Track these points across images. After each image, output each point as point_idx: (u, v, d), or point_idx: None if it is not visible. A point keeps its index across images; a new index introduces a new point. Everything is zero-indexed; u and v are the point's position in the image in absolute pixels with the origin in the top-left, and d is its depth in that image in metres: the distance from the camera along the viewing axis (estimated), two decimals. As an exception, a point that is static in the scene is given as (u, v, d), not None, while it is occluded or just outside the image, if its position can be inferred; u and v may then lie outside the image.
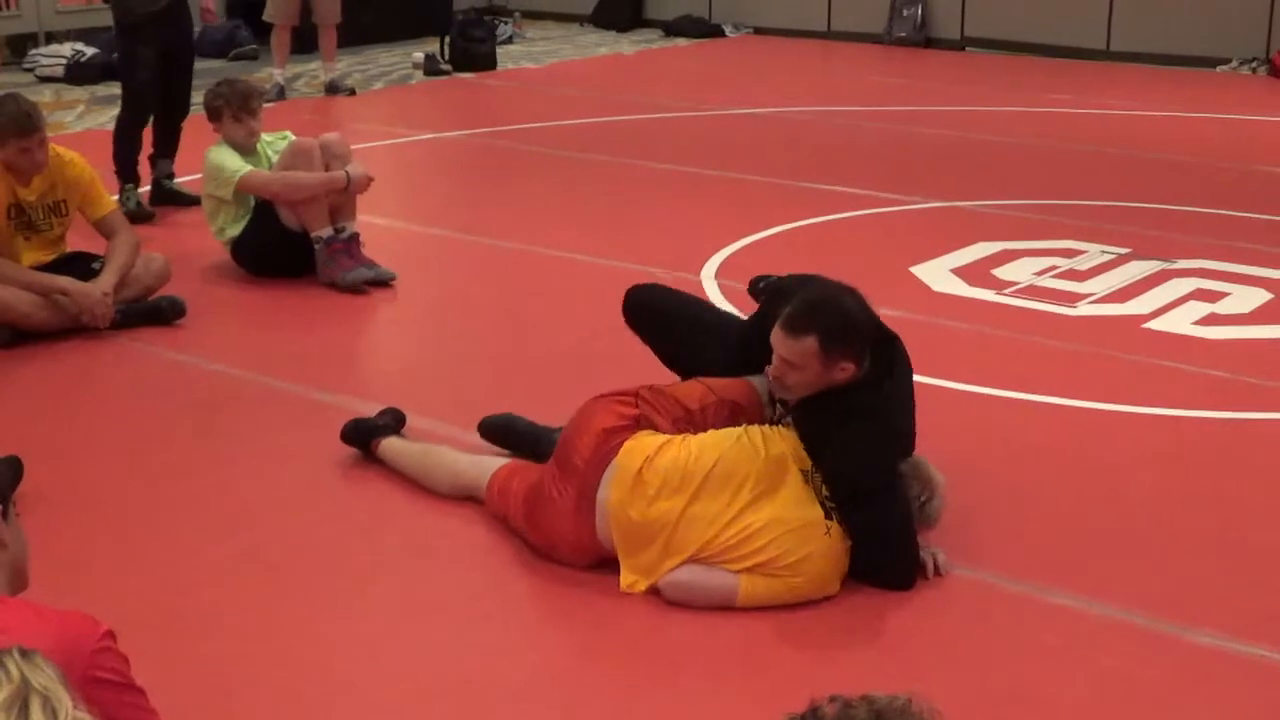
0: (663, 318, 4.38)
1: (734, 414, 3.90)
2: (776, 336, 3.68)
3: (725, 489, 3.61)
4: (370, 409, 4.79)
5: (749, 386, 4.00)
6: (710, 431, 3.80)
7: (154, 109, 7.33)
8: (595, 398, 3.93)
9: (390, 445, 4.36)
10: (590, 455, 3.73)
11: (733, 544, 3.57)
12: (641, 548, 3.64)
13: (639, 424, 3.79)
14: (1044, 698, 3.29)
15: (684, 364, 4.26)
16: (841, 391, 3.71)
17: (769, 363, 3.79)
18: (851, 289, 3.86)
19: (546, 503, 3.78)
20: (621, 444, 3.73)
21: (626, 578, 3.66)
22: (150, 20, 7.15)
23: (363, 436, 4.44)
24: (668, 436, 3.76)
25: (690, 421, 3.86)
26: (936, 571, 3.75)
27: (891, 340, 3.92)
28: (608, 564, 3.72)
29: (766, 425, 3.84)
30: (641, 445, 3.72)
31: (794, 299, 3.74)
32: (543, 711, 3.27)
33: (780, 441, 3.72)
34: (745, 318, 4.33)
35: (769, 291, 4.45)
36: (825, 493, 3.66)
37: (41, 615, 2.32)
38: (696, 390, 3.96)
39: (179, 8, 7.32)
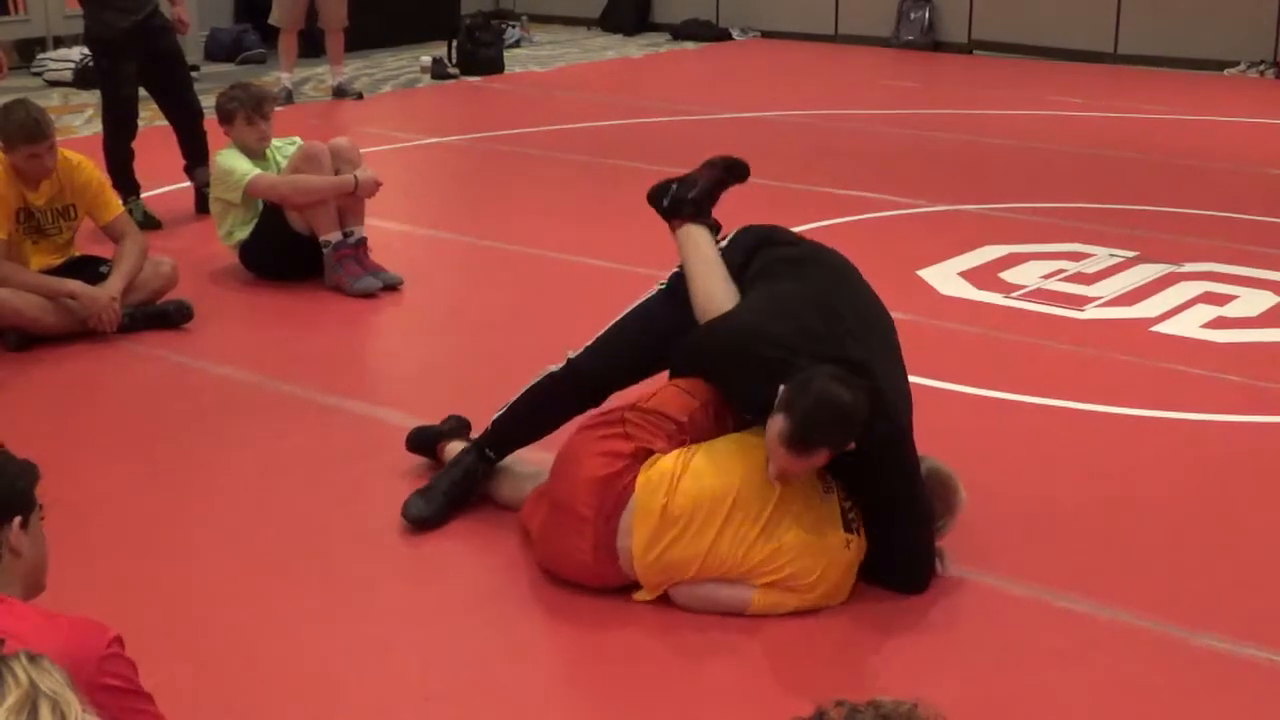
0: (626, 356, 4.04)
1: (718, 413, 3.76)
2: (782, 456, 3.44)
3: (750, 511, 3.53)
4: (378, 413, 4.81)
5: None
6: (723, 442, 3.67)
7: (137, 124, 7.31)
8: (580, 431, 3.76)
9: (454, 450, 4.22)
10: (599, 505, 3.57)
11: (756, 563, 3.53)
12: (671, 579, 3.58)
13: (637, 457, 3.61)
14: (1051, 702, 3.28)
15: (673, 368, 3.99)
16: None
17: None
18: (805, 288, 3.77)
19: (560, 550, 3.66)
20: (631, 484, 3.57)
21: (643, 595, 3.62)
22: (126, 35, 7.12)
23: (428, 442, 4.35)
24: (675, 461, 3.60)
25: (683, 432, 3.70)
26: (942, 569, 3.76)
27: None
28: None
29: None
30: (656, 481, 3.56)
31: (795, 400, 3.41)
32: (548, 716, 3.27)
33: None
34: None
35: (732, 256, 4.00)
36: (848, 504, 3.63)
37: (51, 621, 2.32)
38: (677, 399, 3.75)
39: (155, 19, 7.27)
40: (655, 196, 4.19)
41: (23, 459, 2.61)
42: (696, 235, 4.03)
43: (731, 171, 4.20)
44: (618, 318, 4.07)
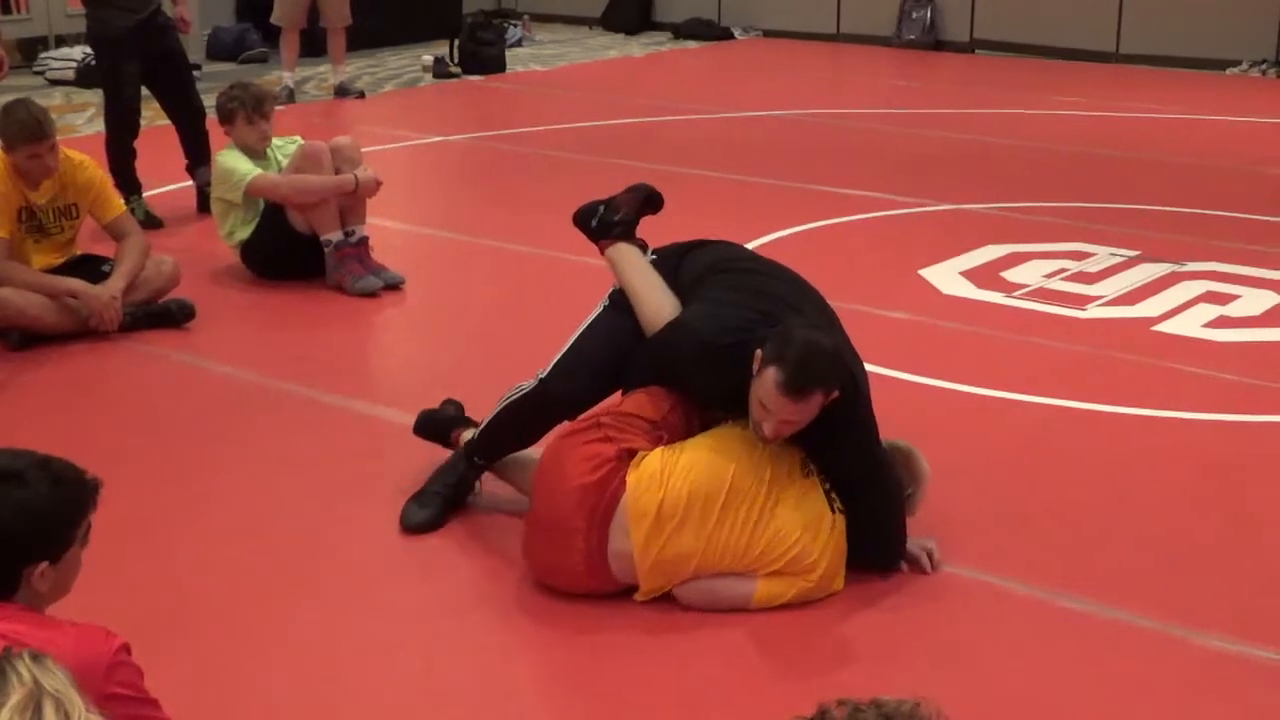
0: (597, 372, 3.98)
1: (687, 414, 3.78)
2: (779, 403, 3.47)
3: (746, 500, 3.55)
4: (380, 412, 4.81)
5: None
6: (706, 437, 3.69)
7: (139, 123, 7.32)
8: (557, 440, 3.75)
9: (468, 437, 4.19)
10: (589, 512, 3.56)
11: (761, 550, 3.54)
12: (672, 578, 3.58)
13: (622, 459, 3.60)
14: (1053, 701, 3.28)
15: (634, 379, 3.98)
16: None
17: None
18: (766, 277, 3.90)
19: (553, 565, 3.65)
20: (621, 485, 3.57)
21: (644, 594, 3.62)
22: (128, 34, 7.12)
23: (441, 429, 4.32)
24: (662, 457, 3.60)
25: (658, 430, 3.71)
26: (932, 565, 3.77)
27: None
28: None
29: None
30: (645, 480, 3.55)
31: (783, 350, 3.47)
32: (548, 715, 3.27)
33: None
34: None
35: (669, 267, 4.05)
36: (827, 485, 3.66)
37: (59, 630, 2.33)
38: (649, 401, 3.77)
39: (157, 18, 7.28)
40: (582, 219, 4.23)
41: (84, 478, 2.58)
42: (628, 253, 4.09)
43: (650, 200, 4.27)
44: (575, 336, 4.05)
